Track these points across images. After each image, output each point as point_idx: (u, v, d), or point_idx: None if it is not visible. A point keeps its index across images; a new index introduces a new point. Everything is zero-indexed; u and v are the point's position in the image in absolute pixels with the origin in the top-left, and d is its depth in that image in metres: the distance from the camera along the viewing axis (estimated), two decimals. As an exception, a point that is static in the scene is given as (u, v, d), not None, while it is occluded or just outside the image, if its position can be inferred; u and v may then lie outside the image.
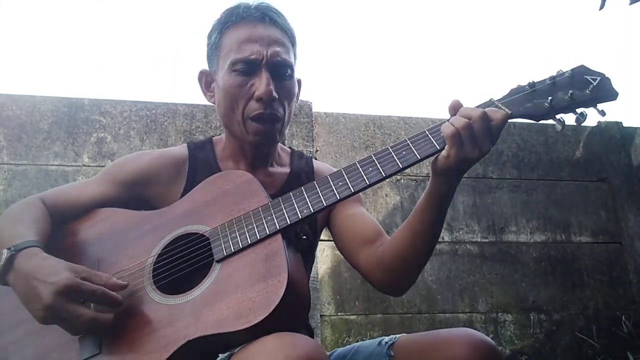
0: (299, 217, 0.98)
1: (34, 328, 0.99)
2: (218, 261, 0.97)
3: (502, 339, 2.90)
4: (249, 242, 0.97)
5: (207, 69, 1.26)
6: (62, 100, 2.80)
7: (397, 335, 1.12)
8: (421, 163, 1.00)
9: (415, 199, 3.02)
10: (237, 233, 0.99)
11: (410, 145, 0.99)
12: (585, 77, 0.98)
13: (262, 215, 1.00)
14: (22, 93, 2.78)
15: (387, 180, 1.00)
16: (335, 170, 1.05)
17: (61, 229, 1.17)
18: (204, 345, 0.90)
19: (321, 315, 2.72)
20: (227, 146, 1.25)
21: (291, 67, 1.18)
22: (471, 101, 1.01)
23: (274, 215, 0.99)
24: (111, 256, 1.09)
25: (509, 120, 0.98)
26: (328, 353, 1.09)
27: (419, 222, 1.05)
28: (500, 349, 2.77)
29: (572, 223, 3.21)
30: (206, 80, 1.26)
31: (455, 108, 0.99)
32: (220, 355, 0.97)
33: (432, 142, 0.98)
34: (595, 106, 0.97)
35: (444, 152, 0.96)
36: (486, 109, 0.96)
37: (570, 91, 0.96)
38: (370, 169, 0.99)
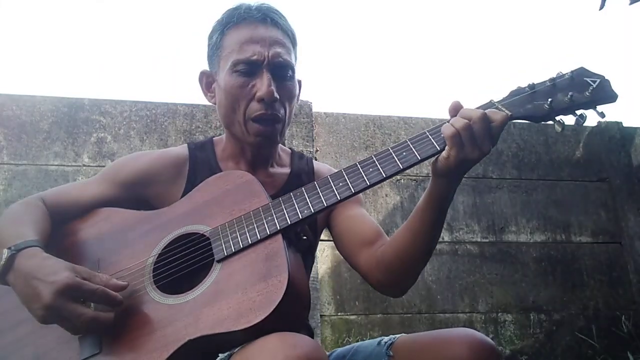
0: (299, 217, 0.98)
1: (33, 328, 0.99)
2: (218, 261, 0.98)
3: (502, 339, 2.90)
4: (250, 242, 0.97)
5: (208, 69, 1.26)
6: (62, 100, 2.81)
7: (397, 335, 1.12)
8: (421, 163, 1.00)
9: (415, 199, 3.02)
10: (237, 233, 0.99)
11: (411, 146, 0.99)
12: (585, 79, 0.98)
13: (263, 215, 1.00)
14: (22, 93, 2.78)
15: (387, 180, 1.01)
16: (335, 171, 1.05)
17: (61, 228, 1.17)
18: (204, 345, 0.90)
19: (321, 315, 2.72)
20: (228, 147, 1.25)
21: (292, 68, 1.18)
22: (471, 102, 1.01)
23: (274, 216, 0.99)
24: (111, 256, 1.09)
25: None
26: (327, 353, 1.09)
27: (419, 222, 1.06)
28: (500, 349, 2.77)
29: (572, 223, 3.22)
30: (207, 80, 1.26)
31: (455, 109, 0.99)
32: (220, 355, 0.97)
33: (433, 143, 0.98)
34: (594, 108, 0.97)
35: (444, 153, 0.97)
36: (486, 110, 0.97)
37: (570, 93, 0.97)
38: (370, 169, 0.99)
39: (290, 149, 1.35)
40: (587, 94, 0.96)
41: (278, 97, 1.14)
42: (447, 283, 2.96)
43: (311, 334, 1.22)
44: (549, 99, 0.98)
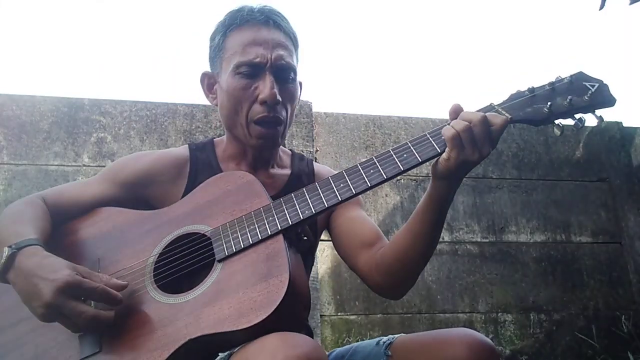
0: (300, 217, 0.99)
1: (34, 326, 0.99)
2: (219, 261, 0.98)
3: (502, 339, 2.90)
4: (251, 242, 0.97)
5: (210, 70, 1.26)
6: (62, 100, 2.81)
7: (395, 335, 1.13)
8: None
9: (415, 199, 3.02)
10: (238, 233, 0.99)
11: (411, 147, 1.00)
12: (584, 83, 0.99)
13: (264, 216, 1.00)
14: (22, 93, 2.78)
15: (387, 181, 1.02)
16: (335, 172, 1.06)
17: (61, 228, 1.17)
18: (205, 345, 0.90)
19: (321, 315, 2.72)
20: (229, 148, 1.26)
21: (294, 71, 1.18)
22: (471, 104, 1.02)
23: (275, 216, 0.99)
24: (112, 255, 1.09)
25: (509, 121, 0.99)
26: (327, 353, 1.09)
27: (419, 224, 1.06)
28: (500, 349, 2.77)
29: (572, 223, 3.22)
30: (208, 82, 1.26)
31: (456, 111, 1.00)
32: (220, 354, 0.97)
33: (433, 145, 0.99)
34: (593, 112, 0.98)
35: (444, 155, 0.97)
36: (486, 113, 0.98)
37: (569, 97, 0.98)
38: (371, 170, 1.00)
39: (290, 150, 1.35)
40: (586, 98, 0.97)
41: (280, 99, 1.14)
42: (447, 283, 2.96)
43: (310, 334, 1.22)
44: (549, 103, 0.98)
